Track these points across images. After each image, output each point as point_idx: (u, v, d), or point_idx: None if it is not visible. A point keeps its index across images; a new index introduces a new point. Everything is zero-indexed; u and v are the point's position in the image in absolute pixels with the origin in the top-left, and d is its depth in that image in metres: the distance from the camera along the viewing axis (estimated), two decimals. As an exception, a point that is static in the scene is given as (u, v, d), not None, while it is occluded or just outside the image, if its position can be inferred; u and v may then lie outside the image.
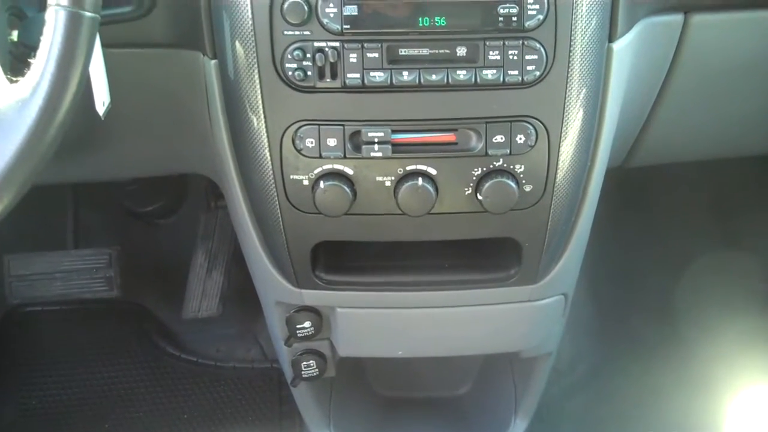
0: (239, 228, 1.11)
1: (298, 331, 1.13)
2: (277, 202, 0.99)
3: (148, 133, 1.13)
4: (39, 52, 0.67)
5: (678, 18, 1.02)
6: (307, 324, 1.13)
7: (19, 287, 1.66)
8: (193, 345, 1.74)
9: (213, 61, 0.97)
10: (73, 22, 0.65)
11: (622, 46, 0.97)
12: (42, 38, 0.66)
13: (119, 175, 1.42)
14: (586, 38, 0.92)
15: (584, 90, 0.95)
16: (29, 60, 0.79)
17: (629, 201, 1.71)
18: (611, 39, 0.96)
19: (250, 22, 0.90)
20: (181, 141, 1.12)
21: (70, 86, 0.66)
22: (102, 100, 0.93)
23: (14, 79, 0.70)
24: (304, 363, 1.18)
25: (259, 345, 1.76)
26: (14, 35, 0.89)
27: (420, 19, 0.90)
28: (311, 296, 1.10)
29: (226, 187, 1.09)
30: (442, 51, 0.91)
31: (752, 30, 1.07)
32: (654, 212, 1.78)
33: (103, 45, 0.90)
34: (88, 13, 0.65)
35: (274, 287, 1.11)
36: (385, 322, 1.13)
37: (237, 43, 0.92)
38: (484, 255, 1.08)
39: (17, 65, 0.84)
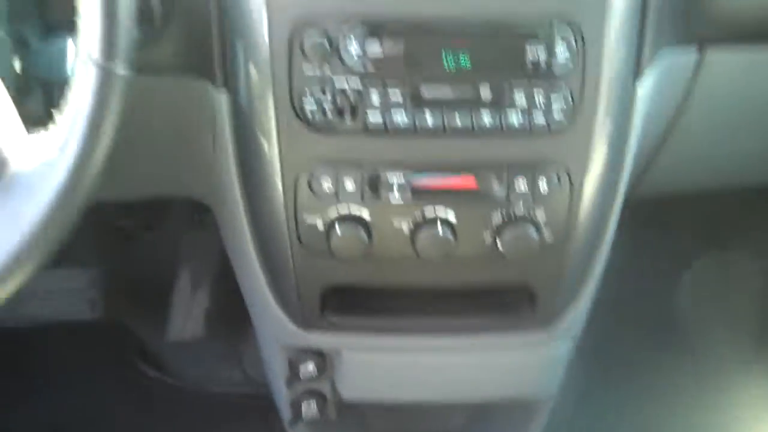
0: (242, 265, 1.07)
1: (300, 373, 1.09)
2: (288, 244, 0.94)
3: (144, 157, 1.08)
4: (67, 108, 0.62)
5: (693, 54, 1.00)
6: (310, 366, 1.09)
7: (33, 303, 1.58)
8: (176, 367, 1.69)
9: (224, 95, 0.92)
10: (107, 80, 0.60)
11: (645, 83, 0.94)
12: (70, 92, 0.62)
13: (110, 197, 1.37)
14: (613, 80, 0.89)
15: (611, 133, 0.92)
16: (41, 98, 0.74)
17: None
18: (636, 77, 0.93)
19: (268, 58, 0.86)
20: (179, 167, 1.07)
21: (99, 147, 0.61)
22: None
23: (33, 129, 0.65)
24: (305, 404, 1.13)
25: (243, 368, 1.71)
26: (17, 66, 0.84)
27: (445, 59, 0.86)
28: (317, 338, 1.06)
29: (228, 219, 1.05)
30: (466, 93, 0.88)
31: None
32: (652, 242, 1.76)
33: None
34: (122, 71, 0.61)
35: (277, 327, 1.07)
36: (392, 366, 1.10)
37: (253, 79, 0.88)
38: (494, 298, 1.05)
39: (24, 101, 0.79)
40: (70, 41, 0.86)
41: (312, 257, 0.95)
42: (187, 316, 1.66)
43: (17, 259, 0.62)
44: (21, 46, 0.85)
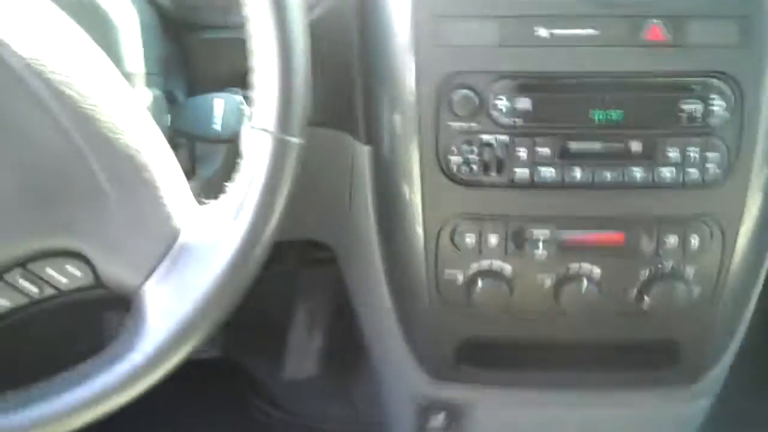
0: (372, 313, 1.06)
1: (430, 424, 1.07)
2: (426, 296, 0.93)
3: None
4: (239, 177, 0.62)
5: None
6: (441, 418, 1.07)
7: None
8: (289, 404, 1.69)
9: (366, 147, 0.92)
10: (282, 150, 0.60)
11: None
12: (242, 161, 0.62)
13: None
14: None
15: (766, 184, 0.88)
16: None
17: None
18: None
19: (415, 113, 0.85)
20: (311, 213, 1.07)
21: (273, 216, 0.61)
22: None
23: (204, 201, 0.65)
24: (432, 457, 1.12)
25: (355, 406, 1.70)
26: (167, 119, 0.86)
27: (595, 112, 0.84)
28: (450, 390, 1.04)
29: (360, 266, 1.04)
30: (616, 147, 0.85)
31: None
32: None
33: None
34: (296, 140, 0.60)
35: (408, 377, 1.05)
36: (526, 421, 1.07)
37: (398, 132, 0.87)
38: (635, 353, 1.02)
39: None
40: (216, 99, 0.87)
41: (450, 309, 0.93)
42: (303, 354, 1.66)
43: (187, 330, 0.62)
44: (169, 102, 0.87)
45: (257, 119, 0.61)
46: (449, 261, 0.90)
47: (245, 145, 0.62)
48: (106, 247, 0.61)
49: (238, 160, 0.63)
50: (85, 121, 0.59)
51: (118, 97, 0.62)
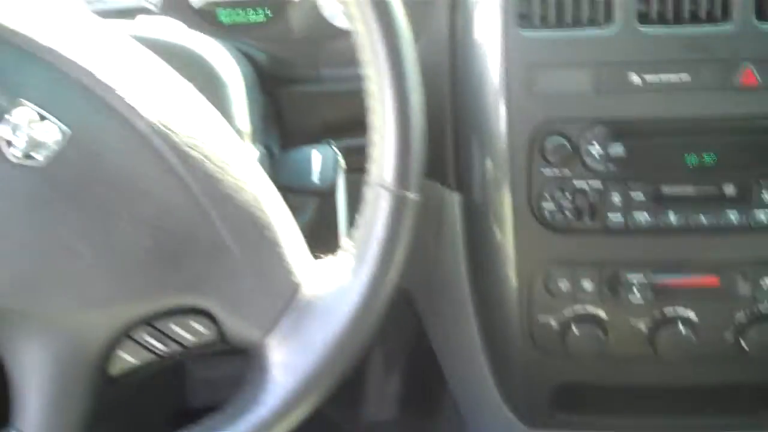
0: (460, 358, 1.06)
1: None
2: (519, 341, 0.93)
3: None
4: (357, 232, 0.63)
5: None
6: (534, 464, 1.06)
7: (200, 391, 1.63)
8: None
9: (456, 194, 0.93)
10: (401, 206, 0.62)
11: None
12: (360, 218, 0.63)
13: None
14: None
15: None
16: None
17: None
18: None
19: (507, 160, 0.86)
20: None
21: (393, 270, 0.63)
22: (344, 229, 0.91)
23: (319, 255, 0.67)
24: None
25: None
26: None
27: (688, 156, 0.84)
28: None
29: (447, 312, 1.05)
30: (710, 191, 0.85)
31: None
32: None
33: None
34: (414, 197, 0.62)
35: (499, 423, 1.05)
36: None
37: (489, 179, 0.88)
38: (732, 396, 1.00)
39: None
40: (314, 151, 0.89)
41: (544, 355, 0.93)
42: (380, 397, 1.66)
43: (312, 384, 0.63)
44: (267, 157, 0.89)
45: (375, 175, 0.62)
46: (543, 307, 0.90)
47: (366, 202, 0.63)
48: (230, 303, 0.63)
49: (343, 213, 0.65)
50: (209, 181, 0.61)
51: (238, 156, 0.64)
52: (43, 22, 0.62)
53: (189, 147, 0.61)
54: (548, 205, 0.86)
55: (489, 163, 0.88)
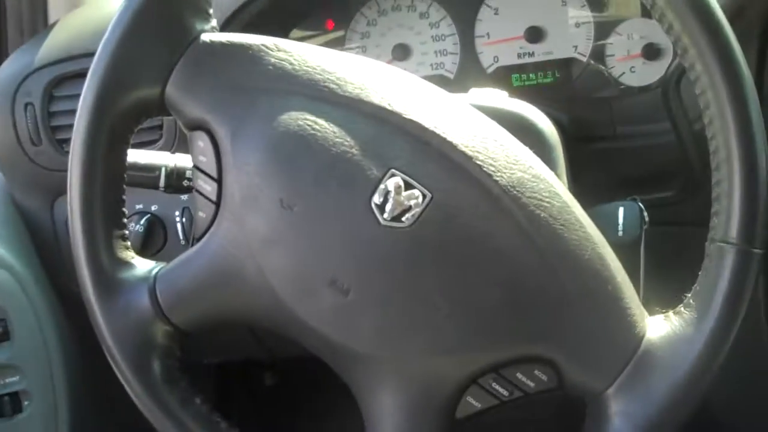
0: None
1: None
2: None
3: None
4: (700, 286, 0.66)
5: None
6: None
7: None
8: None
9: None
10: (745, 262, 0.64)
11: None
12: (702, 272, 0.66)
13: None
14: None
15: None
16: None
17: None
18: None
19: None
20: None
21: (735, 324, 0.64)
22: None
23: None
24: None
25: None
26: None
27: None
28: None
29: None
30: None
31: None
32: None
33: None
34: (758, 251, 0.64)
35: None
36: None
37: None
38: None
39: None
40: (621, 207, 0.92)
41: None
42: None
43: None
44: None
45: (720, 231, 0.64)
46: None
47: (710, 257, 0.65)
48: (574, 354, 0.67)
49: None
50: (555, 239, 0.66)
51: (577, 214, 0.68)
52: (404, 97, 0.69)
53: (535, 207, 0.66)
54: None
55: None
